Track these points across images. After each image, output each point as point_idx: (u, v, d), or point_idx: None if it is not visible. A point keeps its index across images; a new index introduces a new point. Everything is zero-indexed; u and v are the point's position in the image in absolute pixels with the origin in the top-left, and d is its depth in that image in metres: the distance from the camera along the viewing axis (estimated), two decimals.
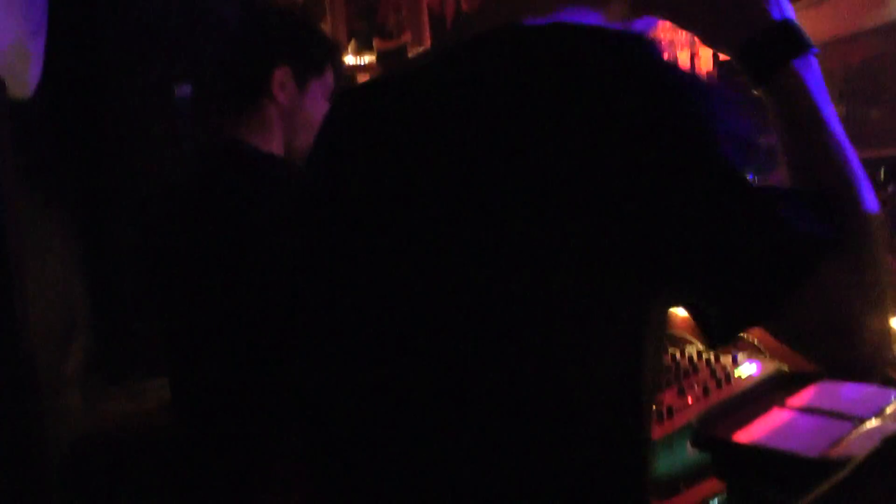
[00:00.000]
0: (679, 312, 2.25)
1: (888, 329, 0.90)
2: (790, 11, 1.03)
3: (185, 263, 1.75)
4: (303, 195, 1.15)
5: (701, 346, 1.98)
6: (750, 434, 1.53)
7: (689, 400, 1.68)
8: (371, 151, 1.02)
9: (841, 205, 0.91)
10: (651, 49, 0.87)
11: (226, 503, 1.74)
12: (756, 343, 1.99)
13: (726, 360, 1.87)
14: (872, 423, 1.49)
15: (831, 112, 0.98)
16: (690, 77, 0.89)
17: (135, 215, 3.28)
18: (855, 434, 1.45)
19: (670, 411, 1.61)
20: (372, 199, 1.00)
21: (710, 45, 1.09)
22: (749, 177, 0.86)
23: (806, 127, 0.97)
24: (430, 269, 0.93)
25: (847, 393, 1.69)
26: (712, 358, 1.88)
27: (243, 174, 1.71)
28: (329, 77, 1.88)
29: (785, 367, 1.85)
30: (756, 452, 1.48)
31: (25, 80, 2.52)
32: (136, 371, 3.29)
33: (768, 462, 1.45)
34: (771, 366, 1.84)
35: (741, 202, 0.84)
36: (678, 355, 1.91)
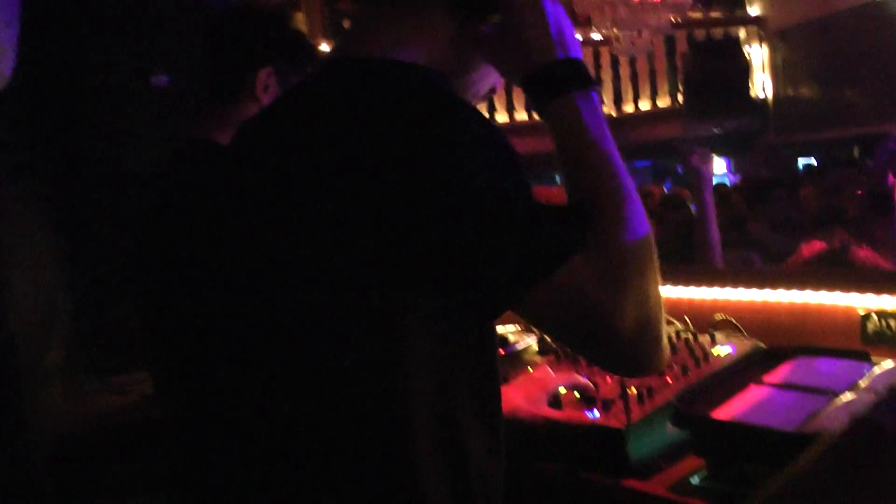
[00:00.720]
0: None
1: (648, 330, 1.00)
2: (577, 52, 1.14)
3: (161, 258, 1.76)
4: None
5: (680, 326, 2.00)
6: (728, 411, 1.55)
7: (669, 379, 1.70)
8: (227, 182, 1.24)
9: (599, 216, 1.03)
10: (422, 86, 1.04)
11: (211, 494, 1.75)
12: (734, 322, 2.02)
13: (704, 339, 1.89)
14: (847, 396, 1.51)
15: (605, 140, 1.09)
16: (455, 112, 1.01)
17: (114, 206, 3.26)
18: (830, 408, 1.47)
19: (650, 391, 1.63)
20: (217, 224, 1.25)
21: (506, 77, 1.22)
22: (514, 197, 0.98)
23: (575, 151, 1.09)
24: (237, 295, 1.17)
25: (822, 368, 1.72)
26: (691, 338, 1.90)
27: (218, 175, 1.72)
28: None
29: (762, 345, 1.87)
30: (734, 429, 1.50)
31: (0, 71, 2.50)
32: (118, 365, 3.28)
33: (746, 438, 1.47)
34: (748, 344, 1.86)
35: (496, 210, 0.96)
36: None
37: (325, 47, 9.94)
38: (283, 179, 1.07)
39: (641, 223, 1.04)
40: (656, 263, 1.05)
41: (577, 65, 1.12)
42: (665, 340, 1.04)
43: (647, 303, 1.00)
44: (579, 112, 1.09)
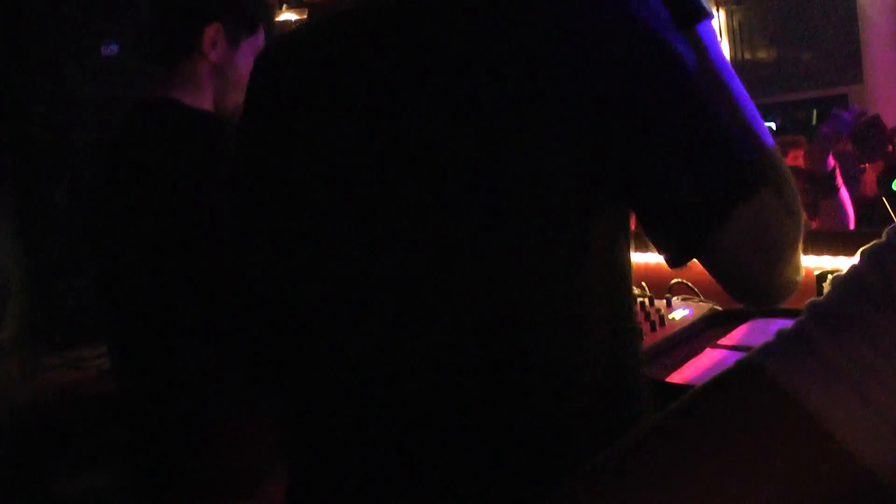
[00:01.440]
0: None
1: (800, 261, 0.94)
2: None
3: (119, 224, 1.73)
4: (241, 152, 1.11)
5: (637, 291, 2.01)
6: (683, 375, 1.56)
7: None
8: (311, 101, 1.01)
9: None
10: None
11: (172, 469, 1.73)
12: (689, 285, 2.03)
13: (660, 303, 1.90)
14: None
15: (729, 69, 1.00)
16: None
17: (67, 180, 3.21)
18: None
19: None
20: (317, 152, 0.99)
21: None
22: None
23: (709, 79, 0.97)
24: (382, 218, 0.93)
25: (775, 329, 1.73)
26: (647, 302, 1.91)
27: (176, 131, 1.69)
28: (261, 36, 1.85)
29: (718, 308, 1.88)
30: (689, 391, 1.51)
31: None
32: (75, 339, 3.24)
33: None
34: (704, 307, 1.87)
35: (692, 113, 0.85)
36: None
37: (287, 15, 9.83)
38: (431, 65, 0.91)
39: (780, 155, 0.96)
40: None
41: None
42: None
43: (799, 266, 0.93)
44: (706, 44, 0.99)
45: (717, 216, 0.84)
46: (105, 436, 2.43)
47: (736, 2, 11.67)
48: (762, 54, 11.59)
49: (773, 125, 10.43)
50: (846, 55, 9.88)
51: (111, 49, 3.20)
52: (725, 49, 11.76)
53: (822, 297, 0.56)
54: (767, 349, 0.55)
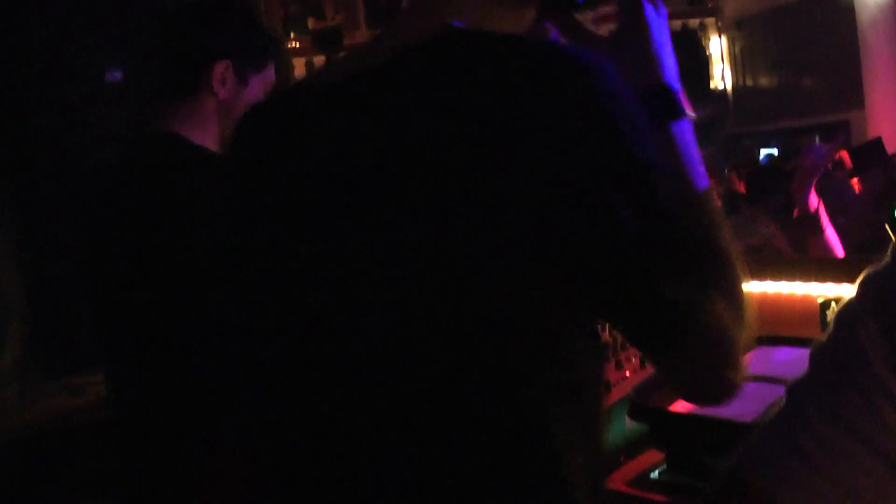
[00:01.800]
0: None
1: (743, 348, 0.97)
2: (675, 81, 1.08)
3: (117, 256, 1.72)
4: (239, 197, 1.11)
5: None
6: (686, 403, 1.54)
7: (627, 373, 1.69)
8: (317, 154, 1.01)
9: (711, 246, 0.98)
10: (600, 74, 0.90)
11: (165, 497, 1.72)
12: None
13: None
14: None
15: (697, 171, 1.03)
16: (628, 101, 0.91)
17: (69, 206, 3.21)
18: None
19: (608, 385, 1.62)
20: (321, 208, 0.99)
21: None
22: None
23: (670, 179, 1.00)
24: (379, 280, 0.94)
25: (781, 357, 1.72)
26: None
27: (178, 168, 1.68)
28: (270, 72, 1.84)
29: None
30: (692, 421, 1.49)
31: None
32: (74, 366, 3.23)
33: (704, 430, 1.46)
34: None
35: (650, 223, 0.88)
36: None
37: (289, 44, 9.88)
38: (397, 157, 0.93)
39: (736, 255, 1.00)
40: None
41: (670, 94, 1.06)
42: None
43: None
44: (677, 144, 1.03)
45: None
46: (104, 463, 2.41)
47: (737, 28, 11.73)
48: (764, 80, 11.63)
49: (774, 152, 10.47)
50: (848, 81, 9.91)
51: (115, 76, 3.21)
52: (727, 76, 11.83)
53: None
54: (753, 458, 0.56)
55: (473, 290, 0.89)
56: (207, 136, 1.76)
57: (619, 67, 0.99)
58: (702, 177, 1.02)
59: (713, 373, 0.95)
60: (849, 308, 0.75)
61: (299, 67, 9.64)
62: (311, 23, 10.27)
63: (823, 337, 0.64)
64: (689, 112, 1.07)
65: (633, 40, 1.07)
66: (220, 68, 1.74)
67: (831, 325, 0.70)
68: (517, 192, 0.86)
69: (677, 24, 11.75)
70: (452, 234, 0.89)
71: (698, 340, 0.91)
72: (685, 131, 1.05)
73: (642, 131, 0.90)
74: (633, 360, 1.73)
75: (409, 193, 0.92)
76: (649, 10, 1.08)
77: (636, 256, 0.88)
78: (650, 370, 1.70)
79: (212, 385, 1.56)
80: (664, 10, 1.11)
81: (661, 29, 1.09)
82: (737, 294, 0.95)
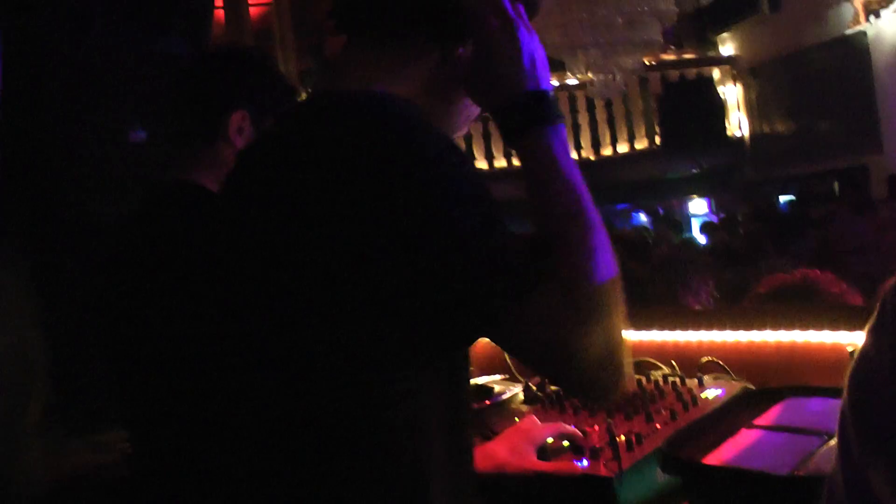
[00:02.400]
0: (647, 338, 2.26)
1: (611, 361, 1.05)
2: (547, 84, 1.17)
3: (136, 307, 1.72)
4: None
5: (667, 370, 1.98)
6: (719, 456, 1.52)
7: (657, 425, 1.67)
8: (236, 206, 1.22)
9: (567, 248, 1.06)
10: (398, 117, 1.06)
11: None
12: (721, 364, 2.00)
13: (692, 383, 1.87)
14: None
15: (572, 175, 1.11)
16: (428, 145, 1.04)
17: (91, 262, 3.23)
18: (824, 449, 1.45)
19: (639, 438, 1.60)
20: (230, 250, 1.21)
21: (479, 105, 1.24)
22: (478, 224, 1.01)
23: (543, 184, 1.11)
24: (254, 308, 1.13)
25: (813, 408, 1.70)
26: (678, 382, 1.88)
27: (194, 216, 1.69)
28: None
29: (751, 387, 1.85)
30: (726, 474, 1.47)
31: None
32: (98, 423, 3.22)
33: (739, 483, 1.44)
34: (737, 386, 1.84)
35: (467, 243, 1.00)
36: (644, 381, 1.90)
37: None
38: (268, 217, 1.11)
39: (608, 258, 1.07)
40: (621, 298, 1.07)
41: (544, 98, 1.14)
42: (627, 370, 1.08)
43: (612, 336, 1.04)
44: (548, 145, 1.11)
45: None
46: None
47: (752, 75, 11.79)
48: (780, 126, 11.66)
49: (792, 197, 10.45)
50: (864, 125, 9.91)
51: (139, 135, 3.24)
52: (743, 123, 11.85)
53: None
54: None
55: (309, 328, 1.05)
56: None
57: (479, 85, 1.17)
58: (577, 174, 1.11)
59: (547, 360, 1.05)
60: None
61: None
62: None
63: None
64: (559, 116, 1.15)
65: (487, 55, 1.16)
66: (237, 118, 1.76)
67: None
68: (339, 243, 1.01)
69: (692, 72, 11.85)
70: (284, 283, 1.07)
71: (522, 335, 1.02)
72: (563, 133, 1.14)
73: (456, 195, 1.01)
74: (663, 412, 1.72)
75: (267, 245, 1.10)
76: (506, 19, 1.16)
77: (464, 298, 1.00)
78: (681, 421, 1.68)
79: (230, 433, 1.57)
80: (523, 12, 1.19)
81: (530, 34, 1.17)
82: (579, 284, 1.03)
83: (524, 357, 1.09)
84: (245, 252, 1.15)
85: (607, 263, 1.06)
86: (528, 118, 1.13)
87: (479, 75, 1.17)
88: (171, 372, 1.65)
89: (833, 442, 1.46)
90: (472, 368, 1.20)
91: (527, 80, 1.14)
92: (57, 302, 3.33)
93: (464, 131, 1.32)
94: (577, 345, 1.01)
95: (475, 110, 1.26)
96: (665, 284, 4.13)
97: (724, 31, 11.87)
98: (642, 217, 12.18)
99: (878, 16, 9.69)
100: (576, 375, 1.04)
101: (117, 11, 3.31)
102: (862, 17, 9.88)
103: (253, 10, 10.85)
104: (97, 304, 1.87)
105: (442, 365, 1.10)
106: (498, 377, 2.16)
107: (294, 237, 1.06)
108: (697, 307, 3.77)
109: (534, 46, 1.16)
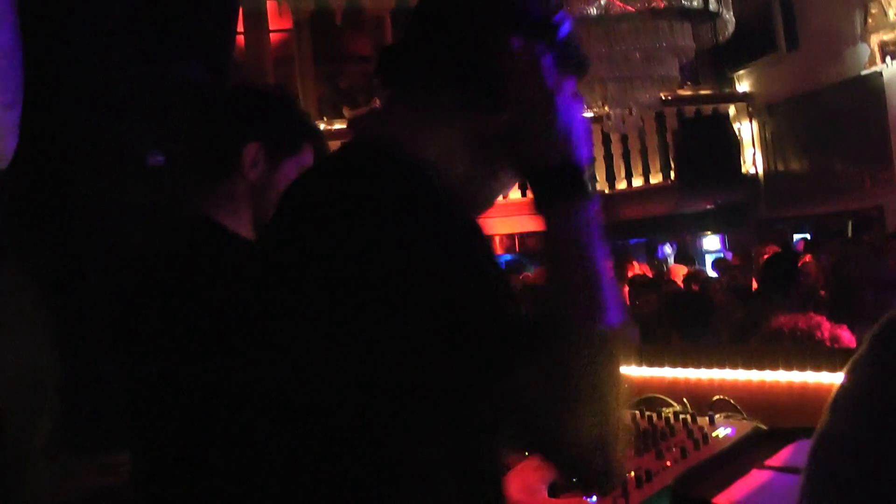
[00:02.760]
0: (658, 374, 2.26)
1: (603, 451, 1.00)
2: (581, 157, 1.13)
3: (145, 338, 1.74)
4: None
5: (678, 408, 1.98)
6: (730, 496, 1.51)
7: (668, 462, 1.66)
8: (264, 257, 1.23)
9: (567, 330, 1.02)
10: (397, 179, 1.07)
11: None
12: (732, 402, 1.99)
13: (703, 421, 1.86)
14: None
15: (589, 256, 1.08)
16: (427, 207, 1.05)
17: (105, 285, 3.24)
18: None
19: (648, 475, 1.60)
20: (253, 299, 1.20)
21: (514, 169, 1.22)
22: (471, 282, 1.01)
23: (559, 258, 1.09)
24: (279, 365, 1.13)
25: None
26: (689, 419, 1.87)
27: (208, 254, 1.71)
28: (307, 155, 1.86)
29: (762, 426, 1.84)
30: None
31: (1, 152, 2.50)
32: (107, 444, 3.22)
33: None
34: (748, 425, 1.83)
35: (459, 318, 0.99)
36: (655, 418, 1.90)
37: (320, 127, 10.07)
38: (281, 262, 1.13)
39: (609, 343, 1.03)
40: (621, 383, 1.04)
41: (575, 174, 1.11)
42: (621, 461, 1.04)
43: (607, 422, 1.00)
44: (570, 221, 1.09)
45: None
46: None
47: (768, 113, 11.80)
48: (795, 165, 11.65)
49: (807, 237, 10.42)
50: (880, 165, 9.89)
51: (158, 159, 3.26)
52: (758, 160, 11.84)
53: None
54: None
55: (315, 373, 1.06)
56: (240, 219, 1.77)
57: (515, 152, 1.15)
58: (598, 255, 1.08)
59: (540, 441, 1.03)
60: None
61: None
62: (346, 111, 10.43)
63: None
64: (590, 194, 1.11)
65: (523, 123, 1.14)
66: (251, 151, 1.76)
67: None
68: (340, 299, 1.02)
69: (708, 108, 11.87)
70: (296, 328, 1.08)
71: (509, 413, 1.01)
72: (591, 210, 1.10)
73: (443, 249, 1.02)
74: (674, 449, 1.71)
75: (281, 299, 1.11)
76: (544, 89, 1.13)
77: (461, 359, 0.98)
78: (691, 460, 1.67)
79: (240, 467, 1.57)
80: (567, 81, 1.16)
81: (571, 104, 1.14)
82: (565, 373, 1.00)
83: (513, 433, 1.08)
84: (263, 296, 1.17)
85: (607, 346, 1.03)
86: (554, 190, 1.10)
87: (515, 142, 1.15)
88: (180, 405, 1.66)
89: None
90: None
91: (559, 152, 1.11)
92: (71, 323, 3.34)
93: (497, 196, 1.29)
94: (566, 429, 0.98)
95: (512, 177, 1.24)
96: (677, 321, 4.12)
97: (741, 69, 11.91)
98: (667, 249, 12.17)
99: (894, 57, 9.72)
100: (564, 460, 1.02)
101: (140, 35, 3.34)
102: (878, 58, 9.90)
103: (273, 37, 10.98)
104: (112, 331, 1.89)
105: (454, 418, 1.08)
106: None
107: (306, 290, 1.07)
108: None
109: (573, 118, 1.14)
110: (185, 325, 1.63)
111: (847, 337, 2.57)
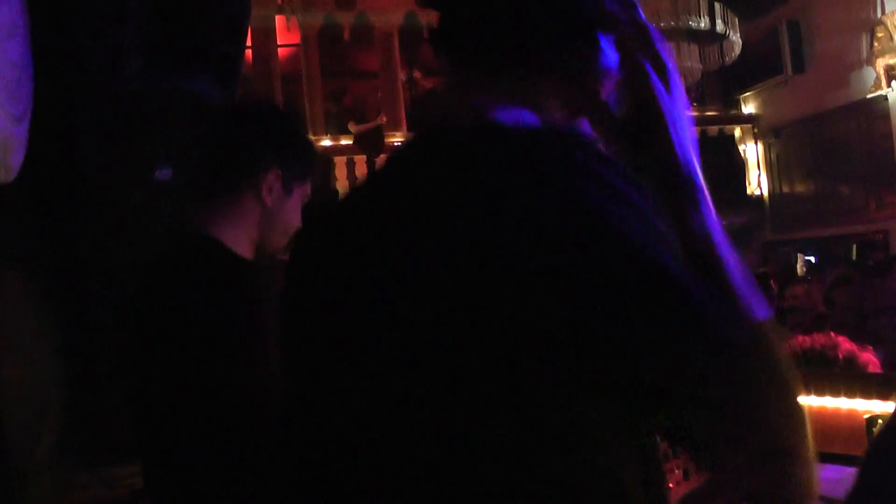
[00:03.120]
0: None
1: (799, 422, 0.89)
2: (696, 173, 1.05)
3: (152, 351, 1.74)
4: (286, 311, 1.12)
5: None
6: None
7: (670, 484, 1.66)
8: (338, 276, 1.02)
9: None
10: (578, 153, 0.89)
11: None
12: None
13: None
14: None
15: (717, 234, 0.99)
16: (614, 180, 0.88)
17: (110, 299, 3.24)
18: None
19: None
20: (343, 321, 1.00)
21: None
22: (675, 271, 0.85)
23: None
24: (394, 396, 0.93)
25: (828, 475, 1.68)
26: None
27: (213, 275, 1.72)
28: (308, 185, 1.89)
29: None
30: None
31: (8, 164, 2.51)
32: (109, 457, 3.22)
33: None
34: None
35: (673, 309, 0.84)
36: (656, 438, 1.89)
37: (325, 142, 10.10)
38: (407, 265, 0.93)
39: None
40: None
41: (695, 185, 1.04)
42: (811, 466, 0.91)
43: (797, 420, 0.89)
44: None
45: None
46: None
47: (774, 135, 11.82)
48: (800, 188, 11.65)
49: (812, 259, 10.41)
50: (886, 189, 9.89)
51: (164, 173, 3.27)
52: (764, 182, 11.84)
53: None
54: None
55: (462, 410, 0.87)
56: (244, 241, 1.79)
57: (634, 161, 0.99)
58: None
59: (750, 436, 0.87)
60: None
61: (340, 165, 9.83)
62: (352, 127, 10.43)
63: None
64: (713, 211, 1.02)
65: (647, 134, 1.03)
66: (272, 177, 1.78)
67: None
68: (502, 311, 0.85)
69: (714, 129, 11.89)
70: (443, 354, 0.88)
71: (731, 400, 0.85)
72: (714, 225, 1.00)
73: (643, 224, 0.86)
74: (676, 470, 1.71)
75: (403, 312, 0.92)
76: (664, 100, 1.03)
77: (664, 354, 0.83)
78: (694, 481, 1.67)
79: (243, 479, 1.57)
80: (681, 96, 1.06)
81: (679, 119, 1.05)
82: (773, 360, 0.88)
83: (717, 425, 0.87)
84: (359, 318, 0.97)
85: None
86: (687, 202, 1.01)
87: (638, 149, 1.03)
88: (184, 417, 1.67)
89: None
90: None
91: (682, 163, 1.04)
92: (76, 336, 3.35)
93: None
94: (779, 413, 0.87)
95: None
96: None
97: (747, 91, 11.93)
98: None
99: None
100: (781, 448, 0.87)
101: (150, 49, 3.36)
102: (884, 82, 9.92)
103: (281, 52, 11.02)
104: (117, 344, 1.89)
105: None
106: None
107: (437, 307, 0.89)
108: None
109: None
110: (195, 340, 1.64)
111: (866, 358, 2.55)
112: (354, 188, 1.09)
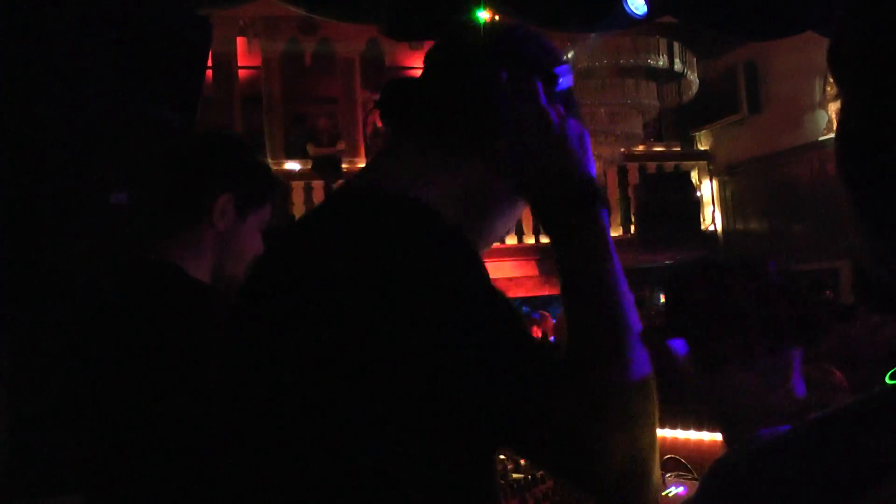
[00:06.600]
0: None
1: (634, 474, 0.99)
2: (592, 167, 1.15)
3: (101, 382, 1.73)
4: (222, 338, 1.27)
5: None
6: None
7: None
8: (252, 308, 1.20)
9: (597, 352, 1.02)
10: (421, 223, 1.05)
11: None
12: (683, 461, 2.00)
13: None
14: None
15: (615, 270, 1.09)
16: (448, 247, 1.03)
17: (62, 327, 3.20)
18: None
19: None
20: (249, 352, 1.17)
21: (524, 194, 1.19)
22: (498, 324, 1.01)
23: (586, 277, 1.09)
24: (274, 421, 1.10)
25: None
26: None
27: (171, 300, 1.71)
28: (267, 211, 1.89)
29: None
30: None
31: None
32: (53, 487, 3.17)
33: None
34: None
35: (482, 351, 0.98)
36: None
37: (292, 165, 10.07)
38: (283, 314, 1.10)
39: (642, 364, 1.02)
40: (654, 406, 1.03)
41: (586, 182, 1.12)
42: (655, 482, 1.02)
43: (637, 446, 0.98)
44: (600, 233, 1.10)
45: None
46: None
47: (729, 173, 11.98)
48: (754, 225, 11.82)
49: None
50: (837, 229, 10.06)
51: (120, 198, 3.25)
52: (718, 218, 11.98)
53: None
54: None
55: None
56: (202, 266, 1.79)
57: (536, 173, 1.12)
58: (618, 271, 1.09)
59: (577, 479, 1.03)
60: None
61: (297, 190, 9.79)
62: (310, 148, 10.42)
63: None
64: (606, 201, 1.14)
65: (531, 143, 1.13)
66: (223, 201, 1.78)
67: None
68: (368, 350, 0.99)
69: (670, 165, 12.04)
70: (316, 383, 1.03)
71: (537, 443, 1.00)
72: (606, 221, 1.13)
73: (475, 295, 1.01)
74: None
75: (286, 352, 1.08)
76: (548, 113, 1.13)
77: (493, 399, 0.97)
78: None
79: None
80: (573, 105, 1.21)
81: (567, 127, 1.13)
82: (602, 392, 0.98)
83: (541, 465, 1.08)
84: (250, 346, 1.16)
85: (639, 367, 1.02)
86: (592, 197, 1.10)
87: (517, 166, 1.14)
88: (132, 448, 1.65)
89: None
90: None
91: (567, 166, 1.11)
92: (21, 363, 3.29)
93: (498, 240, 1.31)
94: (597, 454, 0.96)
95: (511, 221, 1.26)
96: None
97: (703, 129, 12.10)
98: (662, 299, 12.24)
99: None
100: (595, 486, 0.99)
101: (110, 71, 3.34)
102: (835, 126, 10.10)
103: (242, 73, 10.98)
104: (67, 373, 1.87)
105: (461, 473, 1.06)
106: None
107: (303, 340, 1.05)
108: None
109: (573, 134, 1.14)
110: (148, 369, 1.63)
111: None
112: (293, 223, 1.25)
